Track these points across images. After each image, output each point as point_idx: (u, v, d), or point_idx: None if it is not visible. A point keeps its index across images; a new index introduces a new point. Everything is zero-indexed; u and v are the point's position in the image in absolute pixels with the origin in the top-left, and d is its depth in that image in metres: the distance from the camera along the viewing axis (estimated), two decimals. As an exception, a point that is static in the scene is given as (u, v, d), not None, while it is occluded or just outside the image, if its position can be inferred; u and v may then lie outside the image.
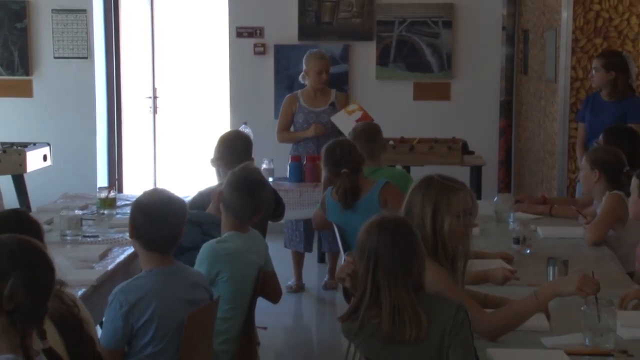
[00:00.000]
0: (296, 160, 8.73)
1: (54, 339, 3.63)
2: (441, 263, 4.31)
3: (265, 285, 5.67)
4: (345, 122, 8.61)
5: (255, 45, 11.10)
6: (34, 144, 9.81)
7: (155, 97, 12.56)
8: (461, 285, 4.42)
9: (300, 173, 8.64)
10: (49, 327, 3.52)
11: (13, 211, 4.39)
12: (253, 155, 7.10)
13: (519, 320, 4.20)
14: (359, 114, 8.75)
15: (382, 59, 11.09)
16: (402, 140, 9.73)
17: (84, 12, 11.14)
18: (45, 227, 4.51)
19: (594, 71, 8.18)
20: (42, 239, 4.14)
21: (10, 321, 2.97)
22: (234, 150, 6.82)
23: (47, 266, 3.08)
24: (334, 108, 8.95)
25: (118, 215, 7.16)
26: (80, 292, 4.97)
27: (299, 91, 9.21)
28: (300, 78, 9.25)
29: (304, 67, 9.14)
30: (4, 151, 8.84)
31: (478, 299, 4.60)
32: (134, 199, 4.89)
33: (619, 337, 4.15)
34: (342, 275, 4.25)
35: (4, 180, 8.26)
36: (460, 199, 4.34)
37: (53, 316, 3.69)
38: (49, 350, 3.17)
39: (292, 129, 9.10)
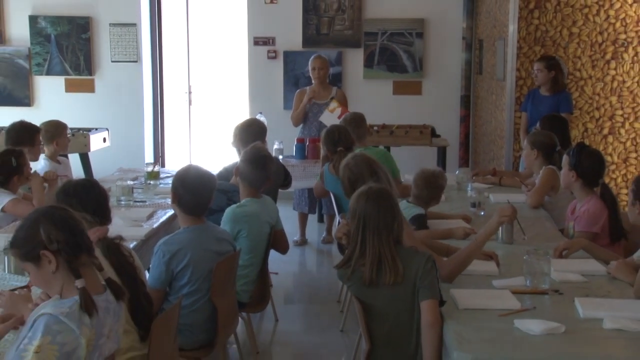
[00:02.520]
0: (301, 141, 8.73)
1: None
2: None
3: (276, 240, 5.69)
4: (330, 119, 8.60)
5: (268, 52, 11.06)
6: (96, 129, 9.81)
7: (190, 92, 12.56)
8: None
9: (304, 152, 8.64)
10: (111, 273, 3.54)
11: (87, 180, 4.43)
12: (266, 138, 7.12)
13: (467, 261, 4.25)
14: (339, 111, 8.74)
15: (368, 62, 11.05)
16: (384, 126, 9.71)
17: (134, 26, 11.11)
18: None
19: (538, 72, 8.19)
20: (108, 202, 4.18)
21: (63, 258, 2.98)
22: (249, 133, 6.87)
23: (63, 210, 3.09)
24: (333, 101, 8.96)
25: (161, 185, 7.18)
26: (132, 245, 4.98)
27: (308, 87, 9.19)
28: None
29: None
30: (73, 134, 8.83)
31: (443, 249, 4.64)
32: (175, 173, 4.91)
33: (553, 280, 4.18)
34: (339, 234, 4.27)
35: (72, 158, 8.26)
36: None
37: (114, 264, 3.72)
38: (109, 280, 3.17)
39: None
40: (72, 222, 3.05)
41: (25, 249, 3.00)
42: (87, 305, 2.92)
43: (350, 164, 4.99)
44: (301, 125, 9.07)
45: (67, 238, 2.99)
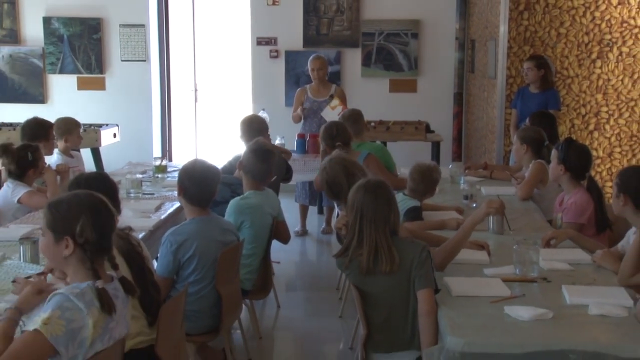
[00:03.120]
0: (301, 137, 8.71)
1: (123, 270, 3.66)
2: None
3: (278, 230, 5.70)
4: (331, 115, 8.59)
5: (270, 51, 11.05)
6: (107, 125, 9.82)
7: (196, 90, 12.56)
8: None
9: (304, 147, 8.62)
10: (120, 262, 3.55)
11: (99, 173, 4.42)
12: (269, 133, 7.13)
13: (456, 249, 4.23)
14: (340, 109, 8.72)
15: (366, 61, 11.04)
16: (381, 122, 9.71)
17: (143, 27, 11.09)
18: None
19: (528, 71, 8.19)
20: (117, 194, 4.17)
21: (83, 253, 2.99)
22: (252, 129, 6.89)
23: (109, 212, 3.09)
24: (332, 98, 8.95)
25: (168, 178, 7.16)
26: (141, 235, 4.98)
27: (308, 85, 9.19)
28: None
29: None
30: (85, 130, 8.81)
31: (434, 239, 4.63)
32: (181, 167, 4.90)
33: (541, 268, 4.18)
34: (339, 225, 4.28)
35: (84, 152, 8.25)
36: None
37: (123, 253, 3.73)
38: (122, 278, 3.19)
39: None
40: (108, 227, 3.07)
41: (56, 223, 3.01)
42: (109, 306, 2.95)
43: (326, 168, 5.05)
44: (302, 122, 9.06)
45: (97, 241, 3.01)
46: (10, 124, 9.63)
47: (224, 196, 5.55)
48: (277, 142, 8.69)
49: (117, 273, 3.15)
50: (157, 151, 11.32)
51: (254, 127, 6.95)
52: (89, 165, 8.46)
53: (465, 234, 4.28)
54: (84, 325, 2.87)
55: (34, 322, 2.83)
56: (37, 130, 6.67)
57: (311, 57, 9.19)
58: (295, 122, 9.12)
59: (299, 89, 9.31)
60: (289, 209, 7.85)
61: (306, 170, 8.27)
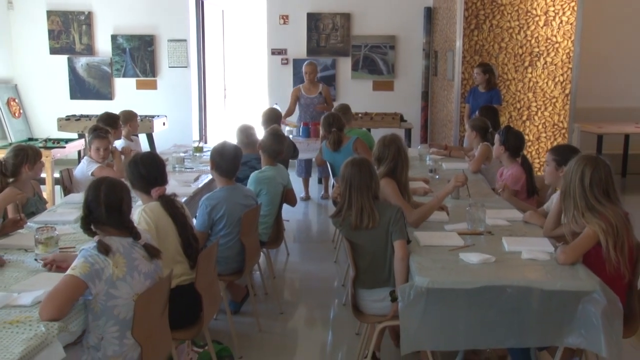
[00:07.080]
0: (306, 125, 8.68)
1: (171, 227, 3.66)
2: (399, 183, 4.32)
3: (287, 196, 5.67)
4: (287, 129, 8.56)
5: (282, 59, 10.99)
6: (158, 116, 9.81)
7: (225, 89, 12.51)
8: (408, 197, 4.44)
9: (307, 132, 8.59)
10: (168, 220, 3.53)
11: (151, 153, 4.40)
12: (282, 122, 7.10)
13: (429, 212, 4.24)
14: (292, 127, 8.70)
15: (355, 67, 10.98)
16: (366, 114, 9.67)
17: (185, 41, 11.02)
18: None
19: (476, 75, 8.17)
20: (165, 169, 4.14)
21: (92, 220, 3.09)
22: (270, 118, 6.89)
23: (120, 184, 3.16)
24: (320, 95, 8.88)
25: (204, 156, 7.13)
26: (183, 199, 4.98)
27: (301, 85, 9.09)
28: None
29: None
30: (141, 120, 8.82)
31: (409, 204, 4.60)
32: (213, 147, 4.87)
33: (487, 224, 4.17)
34: (335, 195, 4.27)
35: (141, 137, 8.24)
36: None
37: (171, 214, 3.72)
38: (146, 244, 3.20)
39: (297, 106, 8.97)
40: (120, 195, 3.12)
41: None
42: (105, 249, 2.97)
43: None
44: (298, 114, 8.97)
45: (106, 212, 3.06)
46: (87, 116, 9.71)
47: (244, 174, 5.54)
48: (287, 128, 8.66)
49: (141, 241, 3.16)
50: (195, 135, 11.29)
51: (271, 117, 6.97)
52: (144, 147, 8.44)
53: (439, 201, 4.29)
54: (106, 265, 2.92)
55: (69, 269, 2.92)
56: (109, 121, 6.66)
57: (305, 63, 9.07)
58: (285, 116, 8.98)
59: (294, 87, 9.24)
60: (296, 179, 7.83)
61: (309, 150, 8.26)
